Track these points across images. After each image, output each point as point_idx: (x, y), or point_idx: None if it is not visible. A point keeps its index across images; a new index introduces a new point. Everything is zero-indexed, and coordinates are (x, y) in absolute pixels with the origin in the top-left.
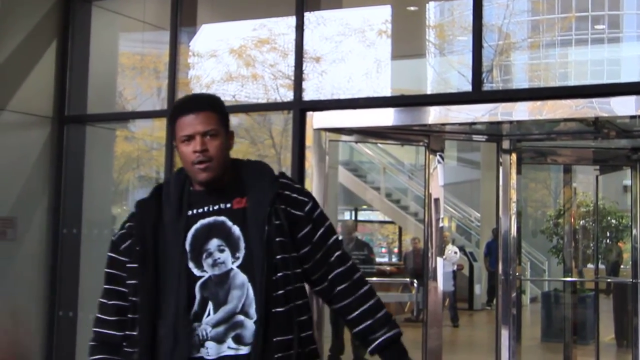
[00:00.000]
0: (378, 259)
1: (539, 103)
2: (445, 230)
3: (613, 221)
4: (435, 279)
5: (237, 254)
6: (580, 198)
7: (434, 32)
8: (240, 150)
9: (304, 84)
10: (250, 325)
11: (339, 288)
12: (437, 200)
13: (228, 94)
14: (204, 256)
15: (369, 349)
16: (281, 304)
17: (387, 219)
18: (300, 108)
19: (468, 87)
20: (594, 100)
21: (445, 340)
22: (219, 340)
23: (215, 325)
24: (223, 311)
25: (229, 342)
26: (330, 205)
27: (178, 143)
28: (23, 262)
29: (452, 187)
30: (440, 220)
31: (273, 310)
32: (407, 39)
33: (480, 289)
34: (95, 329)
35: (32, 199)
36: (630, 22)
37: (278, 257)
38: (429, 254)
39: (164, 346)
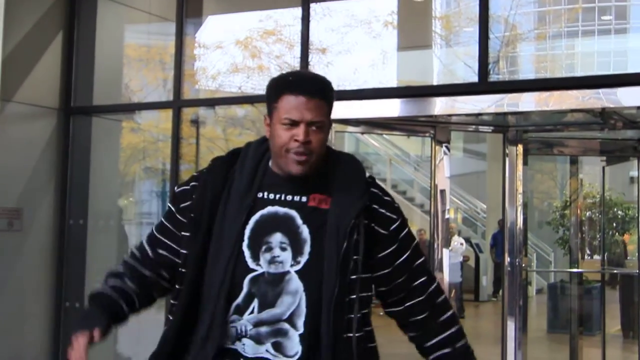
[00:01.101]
0: None
1: (545, 94)
2: (451, 221)
3: (620, 212)
4: (441, 270)
5: (299, 258)
6: (586, 189)
7: (440, 23)
8: (246, 141)
9: None
10: (294, 337)
11: (417, 318)
12: (443, 191)
13: (234, 85)
14: (263, 248)
15: None
16: (352, 328)
17: None
18: None
19: (474, 78)
20: (600, 91)
21: None
22: (258, 341)
23: (257, 324)
24: (268, 314)
25: (268, 346)
26: None
27: (275, 121)
28: (29, 253)
29: (458, 178)
30: (446, 211)
31: (345, 335)
32: (413, 30)
33: (486, 280)
34: (125, 257)
35: (39, 190)
36: (637, 13)
37: (354, 277)
38: (435, 246)
39: (199, 329)
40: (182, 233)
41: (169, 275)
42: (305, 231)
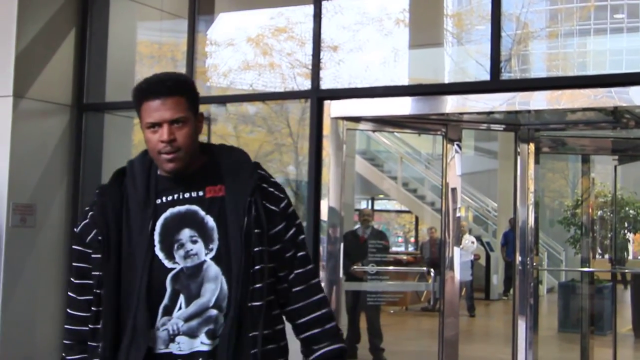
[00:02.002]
0: (395, 249)
1: (557, 92)
2: (462, 220)
3: (631, 212)
4: (452, 268)
5: (211, 246)
6: (598, 188)
7: (452, 21)
8: (257, 139)
9: (322, 73)
10: (222, 320)
11: (294, 289)
12: (454, 189)
13: (245, 82)
14: (175, 247)
15: (310, 358)
16: (258, 297)
17: (403, 208)
18: (317, 97)
19: (486, 76)
20: (612, 89)
21: (461, 330)
22: (192, 335)
23: (187, 319)
24: (196, 305)
25: (202, 337)
26: (347, 194)
27: (143, 127)
28: (42, 249)
29: (469, 176)
30: (458, 209)
31: (249, 304)
32: (425, 28)
33: (497, 279)
34: (68, 327)
35: (51, 186)
36: None
37: (256, 249)
38: (446, 244)
39: (124, 340)
40: (92, 256)
41: None
42: (210, 220)
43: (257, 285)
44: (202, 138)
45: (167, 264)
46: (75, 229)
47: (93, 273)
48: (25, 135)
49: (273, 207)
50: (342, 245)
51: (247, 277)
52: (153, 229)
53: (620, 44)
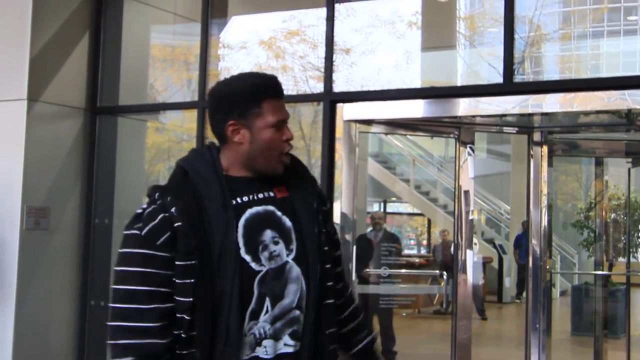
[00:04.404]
0: (407, 251)
1: (570, 95)
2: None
3: None
4: (464, 271)
5: (291, 246)
6: (611, 191)
7: (464, 24)
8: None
9: (334, 76)
10: (304, 320)
11: (338, 286)
12: (467, 192)
13: None
14: (260, 248)
15: (354, 350)
16: (331, 295)
17: (416, 211)
18: (330, 100)
19: (499, 79)
20: (626, 92)
21: (474, 333)
22: (276, 337)
23: (273, 322)
24: (280, 307)
25: (286, 338)
26: (360, 197)
27: (260, 126)
28: (56, 252)
29: (482, 179)
30: (470, 212)
31: (325, 302)
32: (438, 31)
33: (509, 282)
34: (131, 342)
35: (65, 189)
36: None
37: (325, 248)
38: (459, 247)
39: (218, 346)
40: (178, 263)
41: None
42: (287, 220)
43: (330, 283)
44: (215, 141)
45: (255, 266)
46: (138, 232)
47: (179, 281)
48: (39, 138)
49: (324, 208)
50: (354, 248)
51: (322, 276)
52: (236, 232)
53: (633, 46)
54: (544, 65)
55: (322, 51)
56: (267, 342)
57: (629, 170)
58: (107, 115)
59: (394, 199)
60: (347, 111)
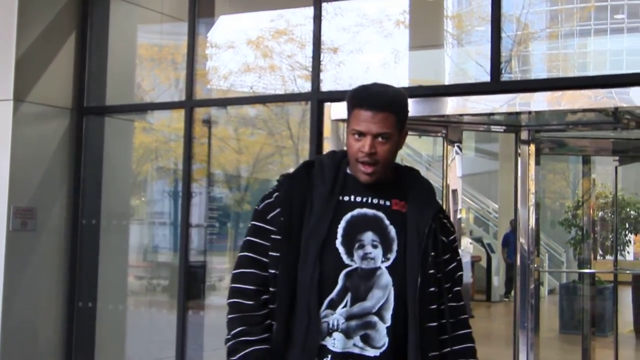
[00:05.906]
0: None
1: (557, 93)
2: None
3: (632, 212)
4: None
5: (389, 255)
6: (599, 189)
7: (452, 23)
8: (258, 141)
9: (322, 75)
10: (382, 329)
11: (445, 321)
12: (455, 191)
13: (245, 85)
14: (356, 246)
15: None
16: (434, 318)
17: None
18: (317, 99)
19: (486, 78)
20: (613, 90)
21: None
22: (348, 334)
23: (348, 318)
24: (360, 307)
25: (356, 339)
26: None
27: (348, 132)
28: (43, 253)
29: (470, 178)
30: (458, 211)
31: (427, 324)
32: (425, 30)
33: (498, 281)
34: (232, 300)
35: (52, 190)
36: None
37: (431, 271)
38: None
39: (298, 325)
40: (272, 236)
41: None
42: (392, 231)
43: (433, 307)
44: (203, 141)
45: (346, 259)
46: (257, 207)
47: (271, 253)
48: (25, 138)
49: (443, 238)
50: None
51: (424, 297)
52: (338, 222)
53: (620, 44)
54: (532, 63)
55: (309, 50)
56: (337, 335)
57: (616, 168)
58: (94, 115)
59: None
60: (334, 110)
